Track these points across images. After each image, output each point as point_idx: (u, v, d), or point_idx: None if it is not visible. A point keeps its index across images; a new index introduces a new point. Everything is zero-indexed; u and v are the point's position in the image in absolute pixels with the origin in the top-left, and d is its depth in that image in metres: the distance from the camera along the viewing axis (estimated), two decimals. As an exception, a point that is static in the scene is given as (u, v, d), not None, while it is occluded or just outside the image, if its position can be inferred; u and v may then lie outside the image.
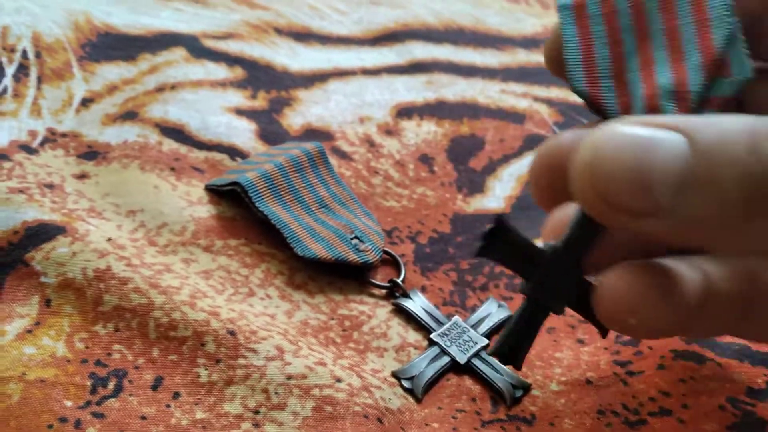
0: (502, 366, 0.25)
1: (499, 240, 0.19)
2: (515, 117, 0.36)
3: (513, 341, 0.21)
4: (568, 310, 0.21)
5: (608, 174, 0.15)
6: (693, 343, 0.26)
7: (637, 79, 0.19)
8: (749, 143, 0.13)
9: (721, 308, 0.19)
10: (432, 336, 0.26)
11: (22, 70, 0.33)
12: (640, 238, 0.20)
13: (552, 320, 0.27)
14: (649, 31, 0.19)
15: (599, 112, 0.20)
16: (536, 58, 0.41)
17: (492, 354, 0.21)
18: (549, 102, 0.37)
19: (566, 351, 0.26)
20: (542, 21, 0.44)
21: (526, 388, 0.25)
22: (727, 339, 0.26)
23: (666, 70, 0.18)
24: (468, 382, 0.25)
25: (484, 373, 0.25)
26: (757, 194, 0.14)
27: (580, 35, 0.20)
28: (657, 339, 0.25)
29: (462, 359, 0.25)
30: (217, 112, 0.33)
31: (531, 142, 0.35)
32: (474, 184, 0.33)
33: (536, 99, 0.38)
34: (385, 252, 0.28)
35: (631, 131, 0.15)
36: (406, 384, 0.24)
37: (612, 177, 0.15)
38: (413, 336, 0.26)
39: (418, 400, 0.24)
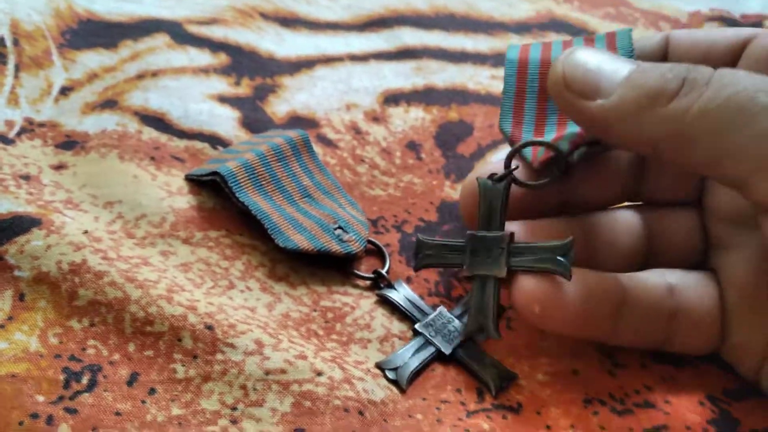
0: (488, 356, 0.25)
1: (424, 251, 0.25)
2: (505, 103, 0.36)
3: (477, 319, 0.24)
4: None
5: (575, 70, 0.22)
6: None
7: (552, 132, 0.25)
8: (663, 76, 0.21)
9: (643, 320, 0.24)
10: (417, 327, 0.25)
11: (0, 58, 0.32)
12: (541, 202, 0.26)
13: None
14: None
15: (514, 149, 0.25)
16: (528, 43, 0.40)
17: (465, 338, 0.25)
18: (540, 87, 0.37)
19: (552, 341, 0.26)
20: (534, 6, 0.44)
21: (512, 379, 0.24)
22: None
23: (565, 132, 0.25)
24: (453, 372, 0.25)
25: (470, 364, 0.24)
26: (654, 98, 0.21)
27: (518, 87, 0.26)
28: (569, 334, 0.25)
29: (447, 350, 0.25)
30: (199, 100, 0.32)
31: (521, 128, 0.34)
32: (462, 170, 0.32)
33: (527, 84, 0.37)
34: (370, 242, 0.28)
35: (597, 52, 0.23)
36: (390, 375, 0.24)
37: (578, 73, 0.22)
38: (398, 327, 0.26)
39: (402, 391, 0.24)
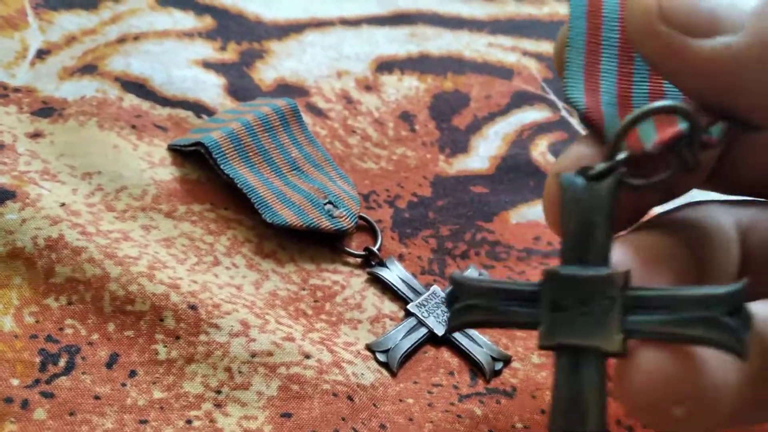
0: (482, 337, 0.24)
1: (466, 300, 0.16)
2: (503, 72, 0.34)
3: (569, 419, 0.15)
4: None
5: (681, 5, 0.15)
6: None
7: (644, 104, 0.16)
8: None
9: None
10: (409, 307, 0.24)
11: (-29, 18, 0.30)
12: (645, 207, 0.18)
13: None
14: None
15: (593, 128, 0.17)
16: (526, 10, 0.39)
17: None
18: (539, 57, 0.35)
19: (549, 322, 0.25)
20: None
21: (507, 361, 0.24)
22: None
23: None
24: (446, 354, 0.24)
25: (463, 345, 0.24)
26: None
27: (589, 38, 0.17)
28: None
29: (440, 331, 0.24)
30: (183, 66, 0.31)
31: (519, 98, 0.33)
32: (457, 143, 0.31)
33: (525, 53, 0.36)
34: (361, 218, 0.27)
35: None
36: (380, 357, 0.23)
37: (680, 1, 0.15)
38: (389, 307, 0.25)
39: (393, 374, 0.23)
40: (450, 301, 0.17)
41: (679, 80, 0.16)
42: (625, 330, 0.14)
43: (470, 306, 0.16)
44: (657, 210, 0.19)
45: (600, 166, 0.16)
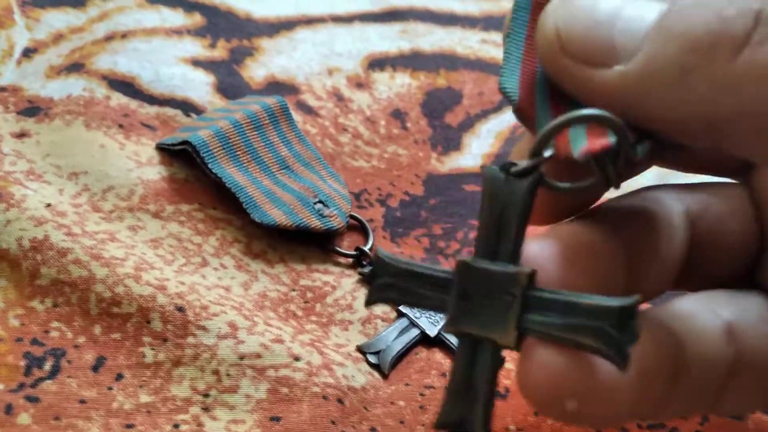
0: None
1: (384, 278, 0.16)
2: (496, 69, 0.34)
3: (457, 405, 0.16)
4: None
5: (574, 23, 0.15)
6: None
7: (576, 104, 0.15)
8: (718, 15, 0.14)
9: (698, 382, 0.17)
10: (400, 307, 0.24)
11: (-44, 16, 0.30)
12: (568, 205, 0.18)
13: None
14: None
15: (525, 122, 0.16)
16: None
17: (437, 428, 0.16)
18: (532, 53, 0.35)
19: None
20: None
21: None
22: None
23: None
24: (438, 355, 0.24)
25: (456, 346, 0.23)
26: (708, 50, 0.14)
27: (530, 30, 0.17)
28: (607, 428, 0.20)
29: (432, 331, 0.24)
30: (172, 63, 0.30)
31: (511, 96, 0.33)
32: (450, 141, 0.31)
33: (518, 49, 0.35)
34: (352, 217, 0.27)
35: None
36: (372, 359, 0.23)
37: (578, 27, 0.15)
38: (381, 307, 0.24)
39: (385, 376, 0.23)
40: (371, 277, 0.17)
41: (583, 101, 0.15)
42: (522, 327, 0.15)
43: (388, 284, 0.16)
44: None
45: (522, 164, 0.15)
